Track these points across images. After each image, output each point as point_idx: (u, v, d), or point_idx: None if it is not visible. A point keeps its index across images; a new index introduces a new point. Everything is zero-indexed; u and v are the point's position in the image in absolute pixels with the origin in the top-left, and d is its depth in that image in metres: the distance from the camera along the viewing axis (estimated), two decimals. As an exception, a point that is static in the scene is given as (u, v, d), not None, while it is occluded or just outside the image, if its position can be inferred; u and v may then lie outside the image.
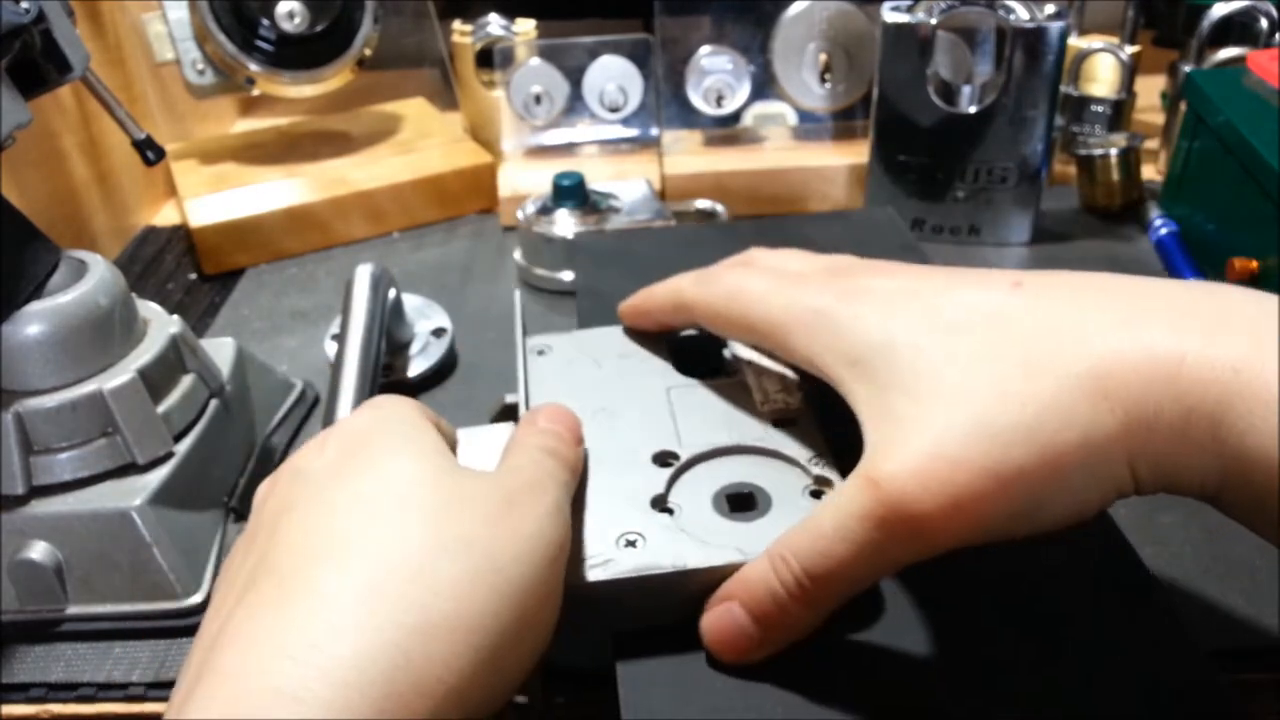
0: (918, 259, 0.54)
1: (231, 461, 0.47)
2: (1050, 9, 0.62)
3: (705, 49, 0.73)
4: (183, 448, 0.43)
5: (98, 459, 0.41)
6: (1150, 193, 0.70)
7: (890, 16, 0.64)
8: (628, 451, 0.36)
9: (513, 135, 0.77)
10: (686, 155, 0.75)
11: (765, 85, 0.74)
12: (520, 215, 0.65)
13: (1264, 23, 0.71)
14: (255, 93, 0.73)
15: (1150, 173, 0.75)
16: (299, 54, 0.71)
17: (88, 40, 0.58)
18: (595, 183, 0.66)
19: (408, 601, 0.26)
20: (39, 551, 0.40)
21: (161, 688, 0.39)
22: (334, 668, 0.24)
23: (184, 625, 0.41)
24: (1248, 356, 0.25)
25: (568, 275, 0.62)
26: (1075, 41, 0.76)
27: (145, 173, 0.76)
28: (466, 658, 0.26)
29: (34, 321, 0.40)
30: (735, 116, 0.75)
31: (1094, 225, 0.69)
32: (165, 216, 0.78)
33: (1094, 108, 0.74)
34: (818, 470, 0.34)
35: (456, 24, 0.81)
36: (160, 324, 0.45)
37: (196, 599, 0.41)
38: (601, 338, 0.43)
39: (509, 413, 0.39)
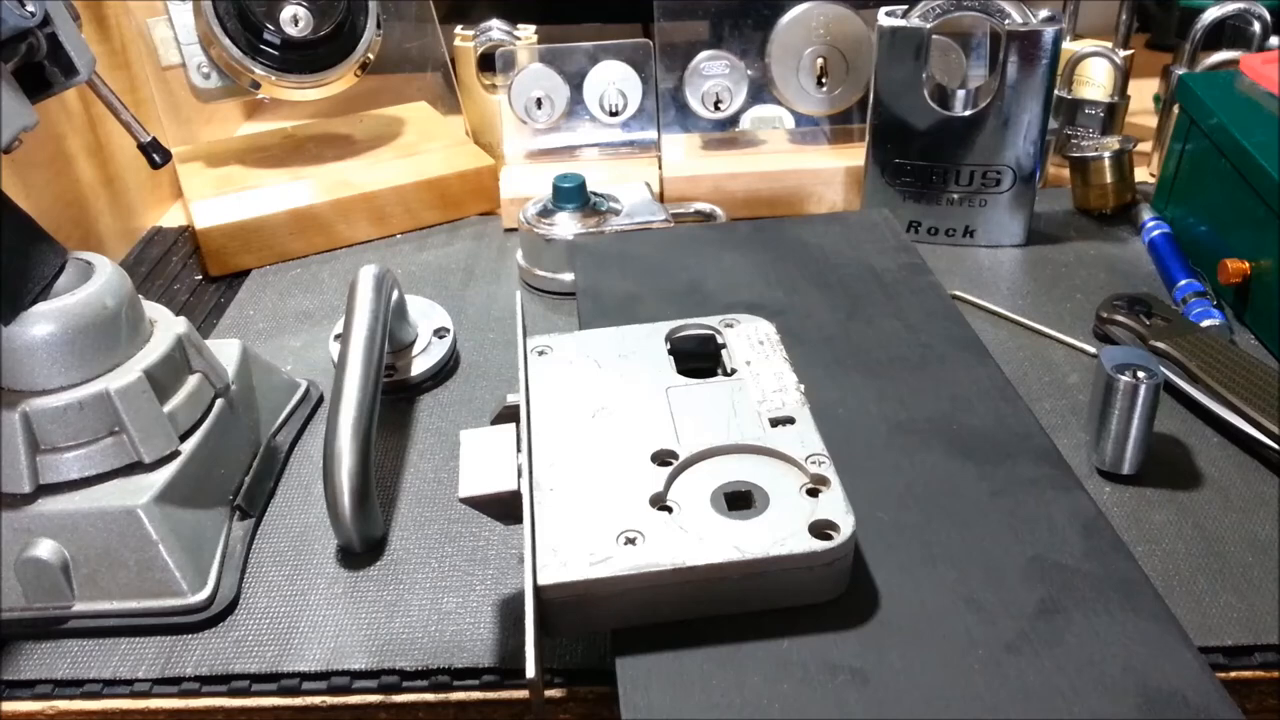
0: (913, 260, 0.54)
1: (237, 460, 0.48)
2: (1044, 13, 0.63)
3: (704, 54, 0.74)
4: (188, 447, 0.44)
5: (104, 458, 0.42)
6: (1143, 195, 0.70)
7: (886, 21, 0.64)
8: (627, 451, 0.36)
9: (514, 138, 0.77)
10: (685, 158, 0.75)
11: (763, 89, 0.75)
12: (521, 217, 0.65)
13: (1256, 26, 0.71)
14: (260, 96, 0.73)
15: (1143, 175, 0.75)
16: (303, 58, 0.72)
17: (93, 44, 0.58)
18: (595, 185, 0.66)
19: None
20: (46, 549, 0.41)
21: (167, 684, 0.40)
22: None
23: (190, 622, 0.41)
24: None
25: (568, 276, 0.63)
26: (1069, 45, 0.76)
27: (151, 175, 0.77)
28: None
29: (41, 322, 0.40)
30: (733, 120, 0.76)
31: (1087, 227, 0.70)
32: (171, 218, 0.79)
33: (1087, 110, 0.75)
34: (815, 469, 0.35)
35: (459, 29, 0.82)
36: (166, 324, 0.45)
37: (202, 596, 0.42)
38: (602, 338, 0.43)
39: (510, 413, 0.39)
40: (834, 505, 0.33)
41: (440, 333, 0.58)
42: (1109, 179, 0.69)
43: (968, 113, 0.64)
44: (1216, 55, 0.73)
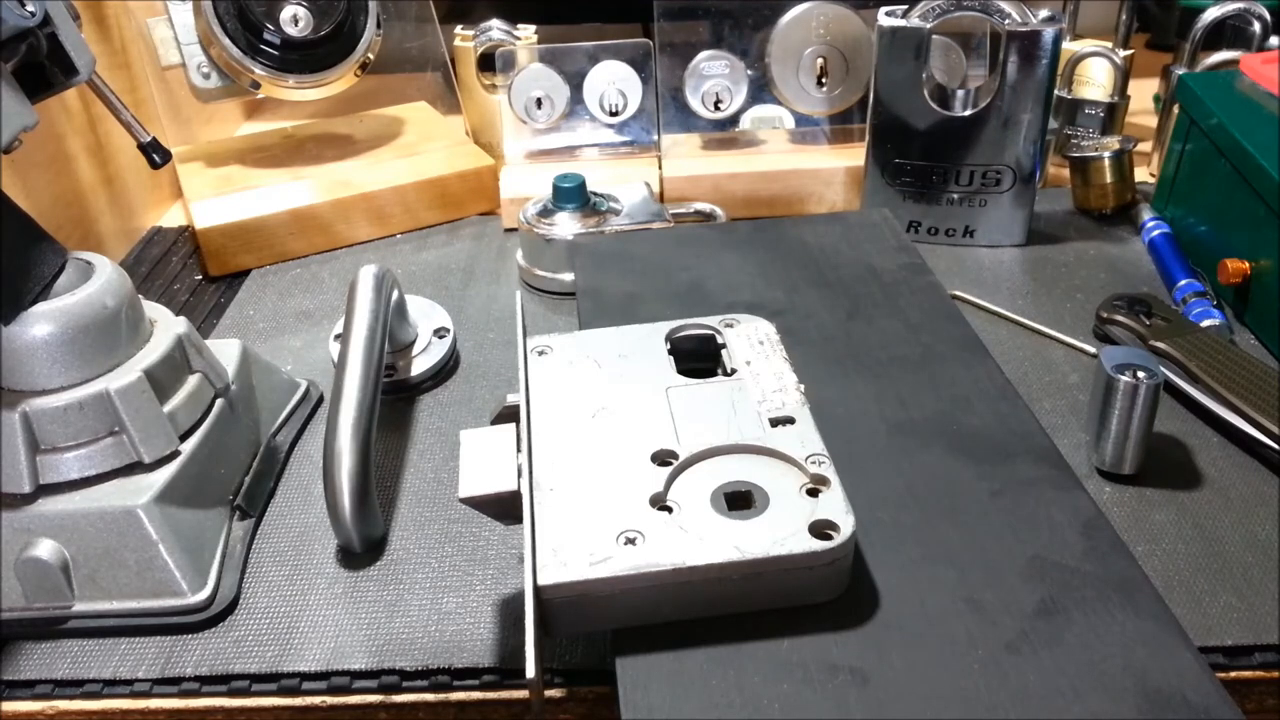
0: (913, 260, 0.54)
1: (237, 460, 0.48)
2: (1044, 13, 0.63)
3: (704, 53, 0.74)
4: (188, 447, 0.44)
5: (104, 458, 0.42)
6: (1143, 195, 0.70)
7: (886, 21, 0.64)
8: (627, 451, 0.36)
9: (514, 138, 0.77)
10: (685, 158, 0.75)
11: (763, 89, 0.75)
12: (521, 217, 0.65)
13: (1256, 26, 0.71)
14: (260, 96, 0.73)
15: (1143, 175, 0.75)
16: (303, 58, 0.72)
17: (93, 44, 0.58)
18: (595, 185, 0.66)
19: None
20: (46, 549, 0.41)
21: (167, 684, 0.40)
22: None
23: (190, 622, 0.41)
24: None
25: (568, 276, 0.63)
26: (1069, 45, 0.76)
27: (151, 175, 0.77)
28: None
29: (41, 322, 0.40)
30: (733, 120, 0.76)
31: (1087, 227, 0.70)
32: (171, 218, 0.79)
33: (1087, 110, 0.75)
34: (815, 469, 0.35)
35: (459, 28, 0.82)
36: (166, 324, 0.45)
37: (202, 596, 0.42)
38: (602, 338, 0.43)
39: (510, 413, 0.39)
40: (834, 505, 0.33)
41: (440, 333, 0.58)
42: (1109, 179, 0.69)
43: (968, 113, 0.64)
44: (1216, 55, 0.73)
